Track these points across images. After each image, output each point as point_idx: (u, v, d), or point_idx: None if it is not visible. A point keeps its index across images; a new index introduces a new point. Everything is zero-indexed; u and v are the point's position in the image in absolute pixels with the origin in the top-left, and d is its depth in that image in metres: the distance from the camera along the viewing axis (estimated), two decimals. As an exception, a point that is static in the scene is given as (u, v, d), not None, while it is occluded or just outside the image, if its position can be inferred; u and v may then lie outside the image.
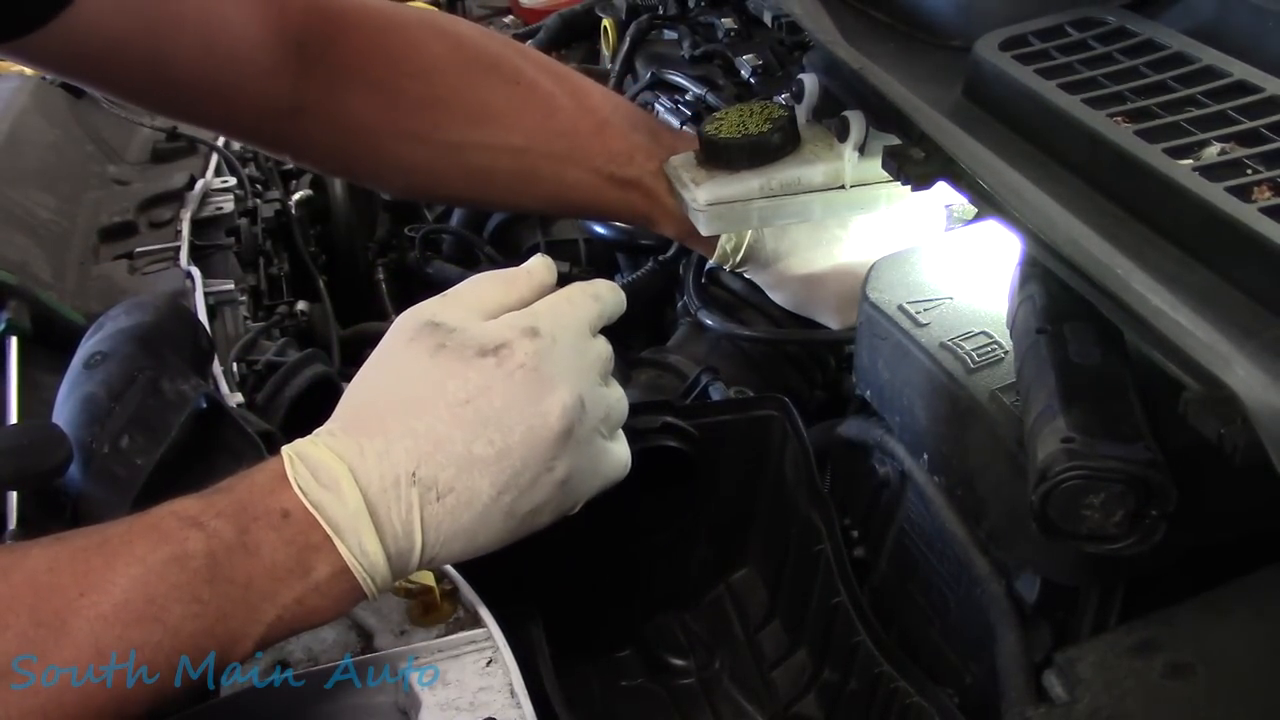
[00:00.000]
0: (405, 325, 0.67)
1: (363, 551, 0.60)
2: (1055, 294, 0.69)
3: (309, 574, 0.59)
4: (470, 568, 0.74)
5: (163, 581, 0.55)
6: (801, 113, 1.00)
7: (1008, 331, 0.75)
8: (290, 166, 1.61)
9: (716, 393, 1.10)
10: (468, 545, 0.64)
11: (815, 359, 1.19)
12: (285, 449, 0.62)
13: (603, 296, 0.72)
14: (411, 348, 0.65)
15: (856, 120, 0.93)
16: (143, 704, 0.57)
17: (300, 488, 0.59)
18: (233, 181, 1.35)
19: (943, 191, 0.75)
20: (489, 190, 1.08)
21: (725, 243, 1.03)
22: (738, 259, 1.05)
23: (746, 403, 1.03)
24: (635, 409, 1.00)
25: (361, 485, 0.60)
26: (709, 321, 1.14)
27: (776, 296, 1.10)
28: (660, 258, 1.30)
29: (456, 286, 0.71)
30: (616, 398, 0.72)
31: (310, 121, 0.96)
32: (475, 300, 0.69)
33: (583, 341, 0.69)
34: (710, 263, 1.12)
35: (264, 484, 0.60)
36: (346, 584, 0.60)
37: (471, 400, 0.62)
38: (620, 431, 0.73)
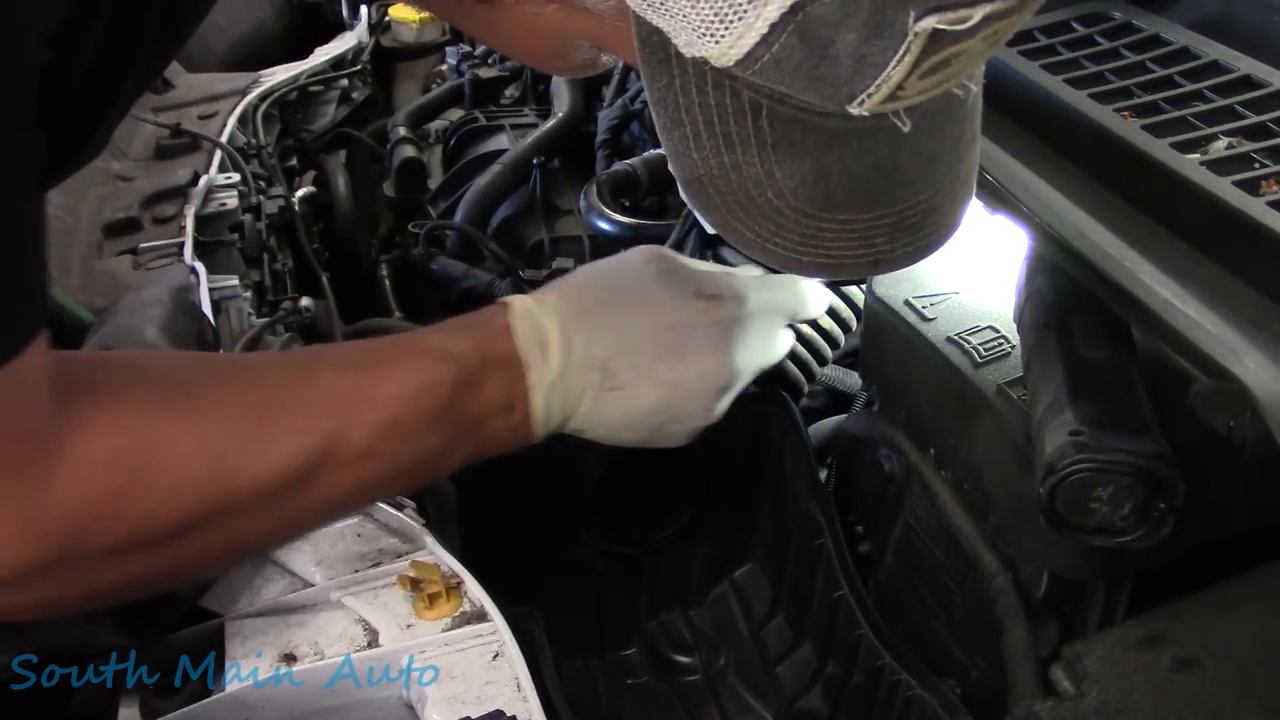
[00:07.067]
0: (645, 249, 0.76)
1: (546, 406, 0.69)
2: (1062, 289, 0.69)
3: (510, 414, 0.68)
4: (476, 564, 0.74)
5: (416, 405, 0.63)
6: (805, 109, 1.00)
7: (1015, 326, 0.75)
8: (294, 163, 1.61)
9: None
10: (606, 436, 0.72)
11: (814, 352, 1.19)
12: (514, 302, 0.69)
13: (804, 294, 0.77)
14: (644, 266, 0.74)
15: (861, 116, 0.92)
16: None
17: (522, 342, 0.68)
18: (236, 178, 1.35)
19: None
20: None
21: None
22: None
23: (746, 399, 1.03)
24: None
25: (563, 354, 0.68)
26: None
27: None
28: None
29: None
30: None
31: None
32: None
33: (775, 327, 0.77)
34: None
35: (496, 331, 0.68)
36: (525, 431, 0.69)
37: (674, 328, 0.71)
38: None
